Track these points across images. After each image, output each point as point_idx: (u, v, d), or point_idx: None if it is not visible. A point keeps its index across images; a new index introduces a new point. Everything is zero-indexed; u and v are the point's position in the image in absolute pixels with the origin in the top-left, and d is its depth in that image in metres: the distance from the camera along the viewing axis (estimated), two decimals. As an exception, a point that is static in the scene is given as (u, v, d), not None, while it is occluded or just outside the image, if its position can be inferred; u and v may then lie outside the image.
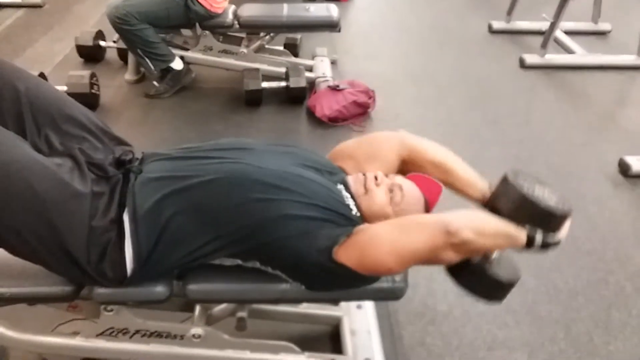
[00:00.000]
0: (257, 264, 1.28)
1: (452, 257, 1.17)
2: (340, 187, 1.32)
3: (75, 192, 1.17)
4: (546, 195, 1.24)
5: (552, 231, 1.22)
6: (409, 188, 1.34)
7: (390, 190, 1.32)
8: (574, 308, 1.95)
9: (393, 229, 1.20)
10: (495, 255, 1.27)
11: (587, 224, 2.35)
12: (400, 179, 1.35)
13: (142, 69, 3.28)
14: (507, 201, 1.26)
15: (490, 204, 1.30)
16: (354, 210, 1.29)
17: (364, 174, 1.35)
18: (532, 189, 1.24)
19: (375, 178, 1.33)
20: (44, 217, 1.13)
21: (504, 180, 1.28)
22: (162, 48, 3.06)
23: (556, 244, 1.23)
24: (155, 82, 3.20)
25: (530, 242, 1.20)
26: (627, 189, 2.58)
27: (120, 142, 1.44)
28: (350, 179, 1.37)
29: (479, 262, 1.26)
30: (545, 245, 1.21)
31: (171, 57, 3.13)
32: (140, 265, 1.21)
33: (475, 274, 1.27)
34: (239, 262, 1.29)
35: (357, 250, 1.18)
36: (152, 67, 3.08)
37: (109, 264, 1.19)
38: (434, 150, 1.42)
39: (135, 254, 1.20)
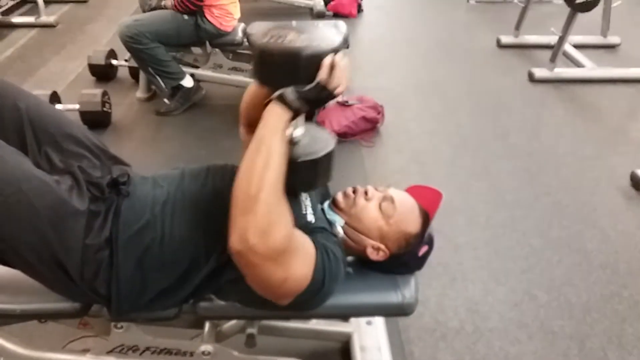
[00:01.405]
0: (237, 305, 1.28)
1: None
2: (325, 206, 1.33)
3: (72, 210, 1.17)
4: (289, 43, 1.06)
5: (312, 75, 1.05)
6: (401, 199, 1.32)
7: (381, 204, 1.30)
8: (587, 323, 1.93)
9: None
10: (295, 134, 1.10)
11: (599, 237, 2.33)
12: (393, 191, 1.33)
13: (153, 87, 3.32)
14: (263, 74, 1.11)
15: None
16: (337, 230, 1.29)
17: (353, 190, 1.33)
18: (271, 43, 1.08)
19: (366, 193, 1.32)
20: (40, 232, 1.13)
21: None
22: (173, 66, 3.11)
23: (324, 88, 1.06)
24: (166, 100, 3.23)
25: (291, 106, 1.05)
26: (639, 202, 2.56)
27: (118, 161, 1.44)
28: (339, 196, 1.34)
29: (291, 154, 1.08)
30: (307, 98, 1.05)
31: (181, 75, 3.17)
32: (125, 292, 1.20)
33: (293, 170, 1.08)
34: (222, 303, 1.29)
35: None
36: (162, 85, 3.12)
37: (103, 282, 1.19)
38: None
39: (114, 282, 1.19)
